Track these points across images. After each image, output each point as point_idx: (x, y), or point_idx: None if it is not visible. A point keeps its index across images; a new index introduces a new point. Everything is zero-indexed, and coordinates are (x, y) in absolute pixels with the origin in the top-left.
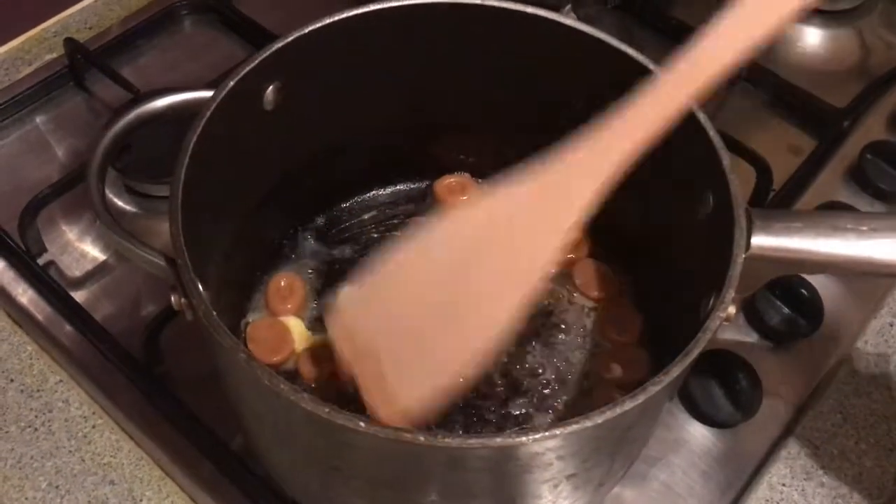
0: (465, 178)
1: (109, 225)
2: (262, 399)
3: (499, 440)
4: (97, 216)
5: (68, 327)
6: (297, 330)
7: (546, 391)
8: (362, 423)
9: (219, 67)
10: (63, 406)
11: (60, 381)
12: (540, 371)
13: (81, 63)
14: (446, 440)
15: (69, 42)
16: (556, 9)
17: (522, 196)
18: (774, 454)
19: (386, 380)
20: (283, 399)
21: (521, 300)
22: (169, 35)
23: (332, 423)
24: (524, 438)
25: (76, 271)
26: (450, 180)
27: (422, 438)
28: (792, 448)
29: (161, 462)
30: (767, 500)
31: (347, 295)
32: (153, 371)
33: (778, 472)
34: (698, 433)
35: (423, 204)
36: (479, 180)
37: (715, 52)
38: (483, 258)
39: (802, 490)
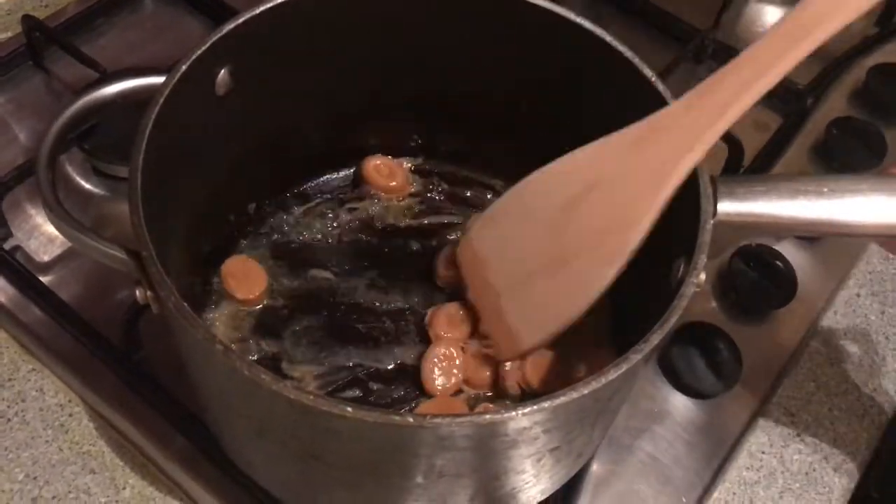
0: (388, 160)
1: (63, 219)
2: (238, 390)
3: (488, 416)
4: (48, 211)
5: (39, 313)
6: None
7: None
8: (349, 409)
9: (184, 46)
10: (37, 395)
11: (33, 369)
12: None
13: (41, 41)
14: (436, 420)
15: (27, 19)
16: None
17: (627, 146)
18: (753, 423)
19: (504, 317)
20: (265, 389)
21: (624, 252)
22: (130, 13)
23: (316, 410)
24: (513, 413)
25: (44, 256)
26: (376, 162)
27: (410, 420)
28: (769, 416)
29: (144, 449)
30: (748, 468)
31: (476, 230)
32: (132, 357)
33: (757, 440)
34: (681, 404)
35: None
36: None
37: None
38: (589, 205)
39: (781, 457)
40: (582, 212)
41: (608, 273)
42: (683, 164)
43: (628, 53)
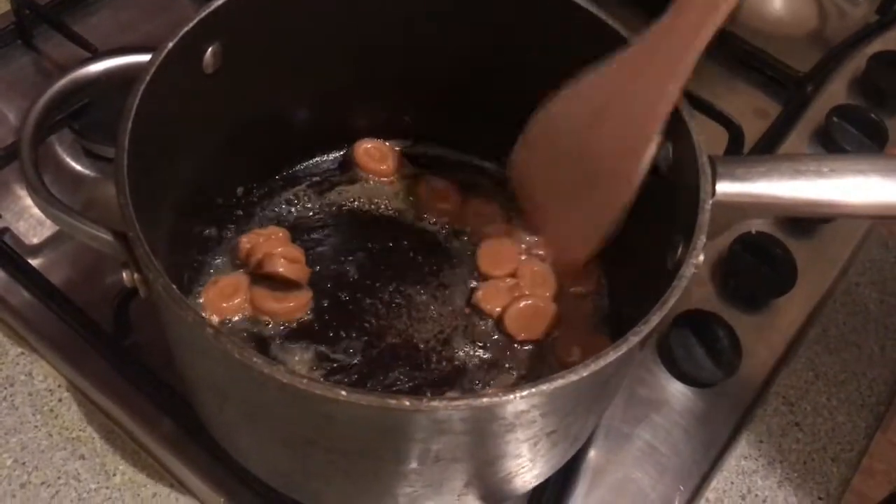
0: (381, 143)
1: (46, 200)
2: (229, 374)
3: (485, 399)
4: (31, 191)
5: (28, 297)
6: None
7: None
8: (343, 393)
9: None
10: (26, 379)
11: (22, 353)
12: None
13: (31, 20)
14: (432, 403)
15: None
16: None
17: (633, 57)
18: (752, 411)
19: (559, 228)
20: (257, 372)
21: (646, 152)
22: None
23: (309, 394)
24: (511, 396)
25: (34, 238)
26: (367, 145)
27: (407, 403)
28: (768, 405)
29: (134, 433)
30: (746, 457)
31: (516, 154)
32: (122, 342)
33: (756, 429)
34: (679, 392)
35: None
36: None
37: None
38: (609, 116)
39: (779, 446)
40: (602, 132)
41: (629, 190)
42: (676, 81)
43: (621, 28)
